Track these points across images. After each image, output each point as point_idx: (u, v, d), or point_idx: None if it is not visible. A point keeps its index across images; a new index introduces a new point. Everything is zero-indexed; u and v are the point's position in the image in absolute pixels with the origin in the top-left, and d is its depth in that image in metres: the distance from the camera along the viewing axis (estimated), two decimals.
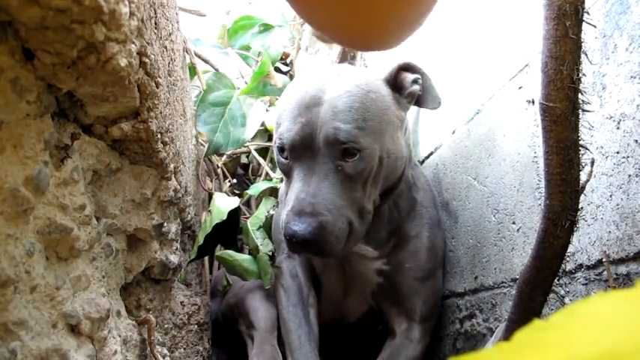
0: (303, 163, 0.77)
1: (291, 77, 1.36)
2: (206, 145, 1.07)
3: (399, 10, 0.47)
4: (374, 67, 0.82)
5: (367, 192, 0.78)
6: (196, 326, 0.92)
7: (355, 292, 0.98)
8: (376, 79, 0.82)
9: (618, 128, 0.54)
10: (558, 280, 0.64)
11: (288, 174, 0.81)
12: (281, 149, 0.79)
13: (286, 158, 0.79)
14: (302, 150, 0.76)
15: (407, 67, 0.85)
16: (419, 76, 0.85)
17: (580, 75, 0.44)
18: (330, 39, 0.56)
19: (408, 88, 0.84)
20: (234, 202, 1.00)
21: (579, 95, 0.45)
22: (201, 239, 0.94)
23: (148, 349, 0.62)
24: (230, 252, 1.01)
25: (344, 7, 0.45)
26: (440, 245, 0.95)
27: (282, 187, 1.04)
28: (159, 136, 0.53)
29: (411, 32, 0.53)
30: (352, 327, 1.03)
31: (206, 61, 1.20)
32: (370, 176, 0.77)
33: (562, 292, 0.64)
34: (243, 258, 1.00)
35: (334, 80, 0.79)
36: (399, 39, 0.53)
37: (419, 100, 0.86)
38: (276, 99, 1.23)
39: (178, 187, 0.67)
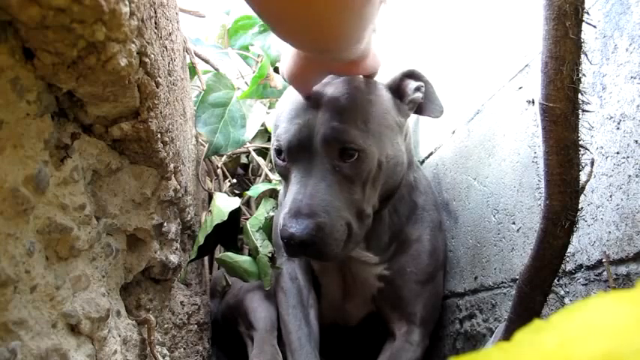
0: (300, 165, 0.76)
1: None
2: (206, 146, 1.07)
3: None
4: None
5: (366, 195, 0.77)
6: (196, 326, 0.92)
7: (355, 296, 0.97)
8: (378, 83, 0.82)
9: (618, 128, 0.54)
10: (558, 280, 0.64)
11: (285, 177, 0.80)
12: (278, 151, 0.79)
13: (284, 160, 0.78)
14: (299, 151, 0.76)
15: (410, 75, 0.85)
16: (422, 84, 0.85)
17: (580, 75, 0.44)
18: (289, 40, 0.57)
19: (409, 95, 0.84)
20: (234, 202, 1.00)
21: (579, 95, 0.45)
22: (201, 239, 0.94)
23: (148, 348, 0.62)
24: (230, 254, 1.01)
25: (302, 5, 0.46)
26: (441, 248, 0.95)
27: (281, 189, 1.04)
28: (159, 135, 0.53)
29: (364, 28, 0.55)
30: (353, 330, 1.02)
31: (206, 61, 1.20)
32: (369, 179, 0.77)
33: (562, 292, 0.64)
34: (244, 259, 0.99)
35: (333, 83, 0.78)
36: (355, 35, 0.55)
37: (421, 108, 0.86)
38: (276, 100, 1.23)
39: (178, 186, 0.67)
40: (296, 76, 0.72)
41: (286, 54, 0.72)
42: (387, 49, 1.34)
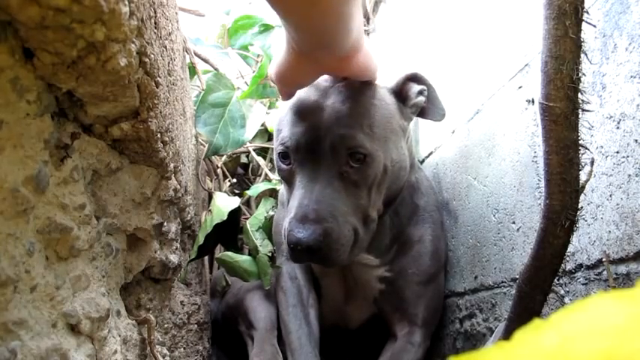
0: (306, 169, 0.75)
1: None
2: (206, 145, 1.07)
3: None
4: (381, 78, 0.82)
5: (372, 200, 0.77)
6: (196, 326, 0.92)
7: (356, 298, 0.97)
8: (381, 87, 0.81)
9: (618, 128, 0.54)
10: (558, 279, 0.64)
11: (289, 181, 0.79)
12: (284, 154, 0.78)
13: (289, 164, 0.77)
14: (306, 154, 0.75)
15: (414, 78, 0.84)
16: (425, 88, 0.84)
17: (580, 75, 0.44)
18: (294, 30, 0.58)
19: (412, 99, 0.83)
20: (234, 202, 1.00)
21: (579, 95, 0.45)
22: (201, 239, 0.94)
23: (148, 348, 0.62)
24: (230, 254, 1.01)
25: None
26: (443, 248, 0.95)
27: (282, 188, 1.04)
28: (159, 135, 0.53)
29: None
30: (355, 333, 1.02)
31: (206, 61, 1.20)
32: (375, 183, 0.76)
33: (562, 292, 0.64)
34: (244, 259, 0.99)
35: (337, 86, 0.77)
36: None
37: (423, 112, 0.86)
38: (276, 100, 1.23)
39: (178, 186, 0.67)
40: (284, 76, 0.69)
41: (276, 56, 0.70)
42: (384, 50, 1.34)
